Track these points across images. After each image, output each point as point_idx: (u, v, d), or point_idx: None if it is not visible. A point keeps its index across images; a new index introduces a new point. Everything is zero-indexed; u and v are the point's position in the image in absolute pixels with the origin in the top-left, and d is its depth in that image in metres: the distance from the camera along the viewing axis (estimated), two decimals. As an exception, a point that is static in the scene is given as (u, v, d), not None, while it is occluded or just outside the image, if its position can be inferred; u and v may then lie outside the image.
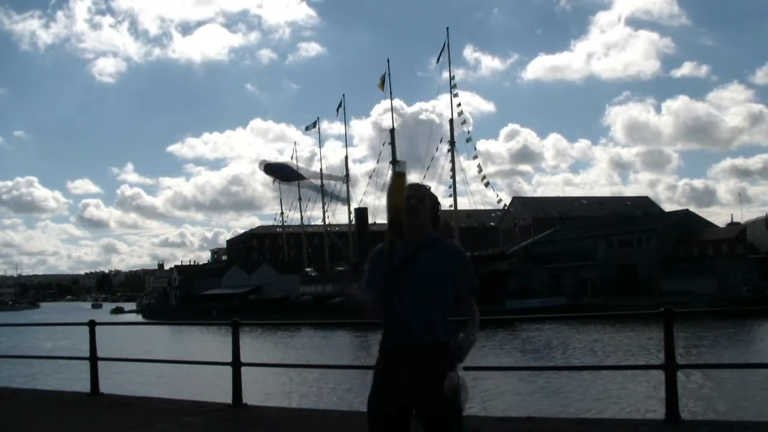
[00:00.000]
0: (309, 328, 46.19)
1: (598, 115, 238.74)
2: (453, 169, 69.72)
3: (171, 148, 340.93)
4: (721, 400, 17.47)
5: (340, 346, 38.34)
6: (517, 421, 6.86)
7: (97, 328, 9.40)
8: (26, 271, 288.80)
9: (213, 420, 7.31)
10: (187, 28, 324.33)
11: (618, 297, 60.27)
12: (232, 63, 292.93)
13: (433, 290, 3.37)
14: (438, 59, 70.28)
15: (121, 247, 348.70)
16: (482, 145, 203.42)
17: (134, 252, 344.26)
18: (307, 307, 73.38)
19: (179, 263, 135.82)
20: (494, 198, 79.85)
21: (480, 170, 70.06)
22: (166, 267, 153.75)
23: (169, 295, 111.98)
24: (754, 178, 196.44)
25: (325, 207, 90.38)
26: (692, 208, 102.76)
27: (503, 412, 14.94)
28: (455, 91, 69.54)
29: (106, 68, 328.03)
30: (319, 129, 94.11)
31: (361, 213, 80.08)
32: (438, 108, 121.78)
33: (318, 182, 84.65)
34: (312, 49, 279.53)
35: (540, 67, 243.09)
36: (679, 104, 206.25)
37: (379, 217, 76.11)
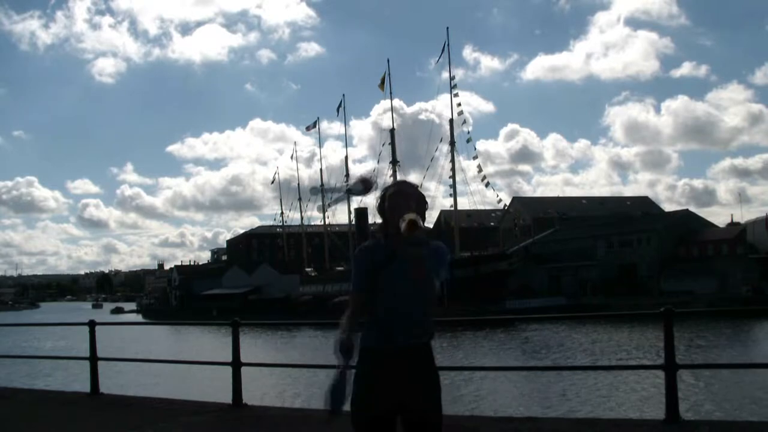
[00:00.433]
0: (309, 328, 46.16)
1: (598, 115, 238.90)
2: (453, 169, 69.81)
3: (170, 148, 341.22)
4: (721, 400, 17.47)
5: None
6: (517, 421, 6.86)
7: (97, 328, 9.40)
8: (26, 271, 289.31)
9: (213, 420, 7.31)
10: (186, 29, 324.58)
11: (618, 297, 60.22)
12: (231, 63, 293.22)
13: (418, 291, 3.32)
14: (438, 59, 70.41)
15: (121, 247, 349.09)
16: (482, 145, 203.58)
17: (134, 252, 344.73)
18: (307, 307, 73.39)
19: (179, 263, 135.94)
20: (494, 198, 79.77)
21: (480, 170, 70.15)
22: (166, 267, 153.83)
23: (169, 295, 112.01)
24: (753, 178, 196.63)
25: (326, 207, 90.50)
26: (692, 208, 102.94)
27: (503, 412, 14.96)
28: (455, 91, 69.67)
29: (105, 68, 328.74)
30: (319, 129, 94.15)
31: (361, 213, 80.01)
32: (438, 108, 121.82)
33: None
34: (311, 49, 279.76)
35: (539, 67, 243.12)
36: (678, 104, 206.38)
37: (378, 217, 75.89)
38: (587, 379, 20.19)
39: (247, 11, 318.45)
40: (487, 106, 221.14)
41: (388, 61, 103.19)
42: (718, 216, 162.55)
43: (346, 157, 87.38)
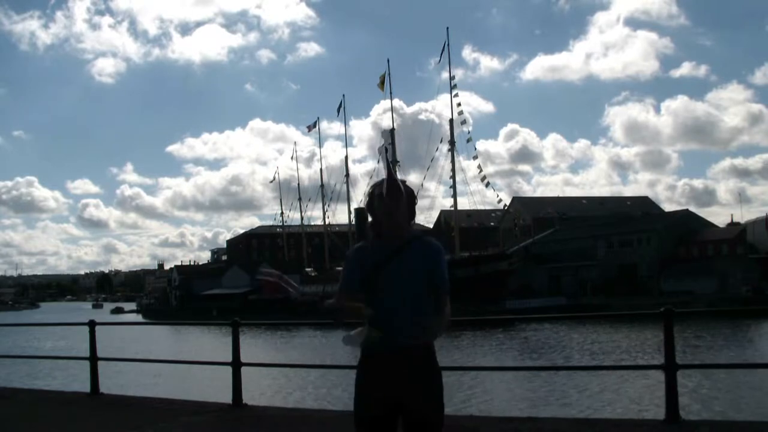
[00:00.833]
0: (309, 328, 46.15)
1: (598, 115, 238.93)
2: (453, 169, 69.77)
3: (170, 148, 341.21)
4: (721, 400, 17.47)
5: (339, 346, 38.27)
6: (517, 421, 6.85)
7: (97, 328, 9.40)
8: (26, 271, 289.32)
9: (213, 420, 7.31)
10: (186, 29, 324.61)
11: (618, 297, 60.21)
12: (231, 63, 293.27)
13: (413, 292, 3.29)
14: (439, 59, 70.33)
15: (121, 247, 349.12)
16: (481, 145, 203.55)
17: (134, 252, 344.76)
18: (306, 307, 73.35)
19: (179, 263, 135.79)
20: (494, 198, 79.75)
21: (480, 170, 70.10)
22: (166, 267, 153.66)
23: (169, 295, 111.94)
24: (753, 178, 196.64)
25: (325, 207, 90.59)
26: (692, 208, 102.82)
27: (503, 412, 14.95)
28: (455, 91, 69.63)
29: (105, 68, 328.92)
30: (319, 129, 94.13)
31: (361, 213, 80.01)
32: (438, 108, 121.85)
33: None
34: (311, 49, 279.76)
35: (539, 67, 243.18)
36: (678, 104, 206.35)
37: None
38: (587, 379, 20.18)
39: (247, 11, 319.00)
40: (487, 106, 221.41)
41: (388, 61, 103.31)
42: (718, 216, 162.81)
43: (346, 157, 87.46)
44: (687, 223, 72.03)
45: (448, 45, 69.20)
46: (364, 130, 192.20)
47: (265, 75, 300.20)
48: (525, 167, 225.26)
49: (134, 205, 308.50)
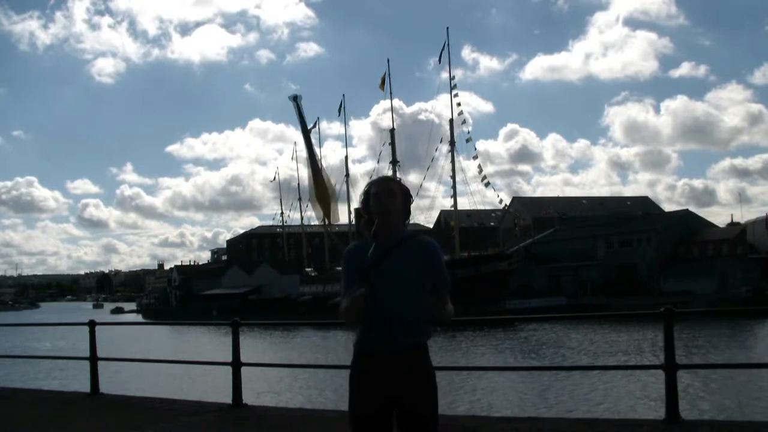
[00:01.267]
0: (309, 328, 46.17)
1: (597, 116, 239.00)
2: (453, 169, 69.75)
3: (170, 148, 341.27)
4: (721, 400, 17.48)
5: (339, 346, 38.33)
6: (517, 421, 6.85)
7: (97, 329, 9.40)
8: (26, 271, 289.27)
9: (213, 420, 7.31)
10: (185, 29, 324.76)
11: (618, 297, 60.22)
12: (230, 63, 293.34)
13: (408, 291, 3.27)
14: (439, 59, 70.30)
15: (121, 247, 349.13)
16: (481, 145, 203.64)
17: (134, 252, 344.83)
18: (307, 307, 73.40)
19: (179, 263, 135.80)
20: (494, 198, 79.81)
21: (480, 170, 70.08)
22: (166, 267, 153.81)
23: (169, 295, 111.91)
24: (753, 178, 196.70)
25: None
26: (692, 208, 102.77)
27: (503, 412, 14.96)
28: (455, 92, 69.62)
29: (105, 68, 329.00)
30: (318, 129, 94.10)
31: (360, 213, 79.97)
32: (437, 108, 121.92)
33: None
34: (310, 49, 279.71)
35: (538, 67, 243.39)
36: (677, 104, 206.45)
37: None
38: (587, 379, 20.19)
39: (246, 11, 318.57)
40: (487, 106, 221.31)
41: (388, 61, 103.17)
42: (718, 216, 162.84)
43: (346, 157, 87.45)
44: (687, 223, 72.03)
45: (448, 45, 69.26)
46: (363, 130, 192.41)
47: (265, 75, 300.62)
48: (525, 167, 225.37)
49: (134, 205, 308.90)
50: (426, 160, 72.57)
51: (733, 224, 74.72)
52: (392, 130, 75.43)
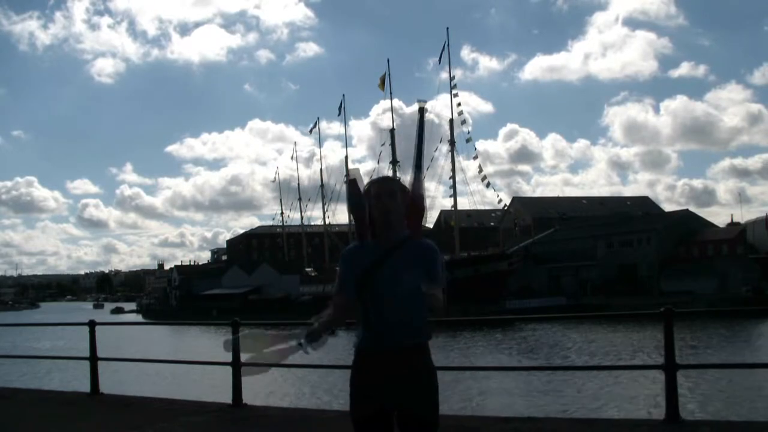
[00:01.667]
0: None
1: (597, 116, 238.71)
2: (453, 169, 69.77)
3: (170, 148, 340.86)
4: (721, 400, 17.48)
5: (339, 345, 38.35)
6: (517, 421, 6.85)
7: (97, 328, 9.40)
8: (26, 271, 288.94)
9: (213, 420, 7.31)
10: (185, 29, 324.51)
11: (618, 297, 60.23)
12: (230, 63, 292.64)
13: (407, 292, 3.26)
14: (440, 59, 70.31)
15: (121, 247, 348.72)
16: (480, 145, 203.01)
17: (134, 252, 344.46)
18: (307, 307, 73.41)
19: (179, 263, 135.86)
20: (494, 198, 79.88)
21: (480, 170, 70.11)
22: (166, 267, 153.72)
23: (169, 295, 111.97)
24: (753, 178, 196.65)
25: (325, 207, 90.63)
26: (692, 208, 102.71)
27: (503, 412, 14.94)
28: (455, 92, 69.61)
29: (104, 69, 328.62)
30: (318, 129, 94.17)
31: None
32: (437, 108, 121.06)
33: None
34: (310, 49, 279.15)
35: (537, 67, 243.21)
36: (677, 104, 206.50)
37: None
38: (587, 379, 20.18)
39: (246, 12, 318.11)
40: (486, 107, 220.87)
41: (388, 60, 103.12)
42: (718, 216, 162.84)
43: (346, 157, 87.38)
44: (687, 223, 72.02)
45: (448, 45, 69.29)
46: (363, 130, 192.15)
47: (264, 75, 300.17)
48: (525, 167, 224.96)
49: (134, 205, 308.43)
50: (426, 160, 72.13)
51: (733, 224, 74.74)
52: (392, 130, 75.51)
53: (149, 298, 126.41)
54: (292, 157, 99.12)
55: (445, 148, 70.58)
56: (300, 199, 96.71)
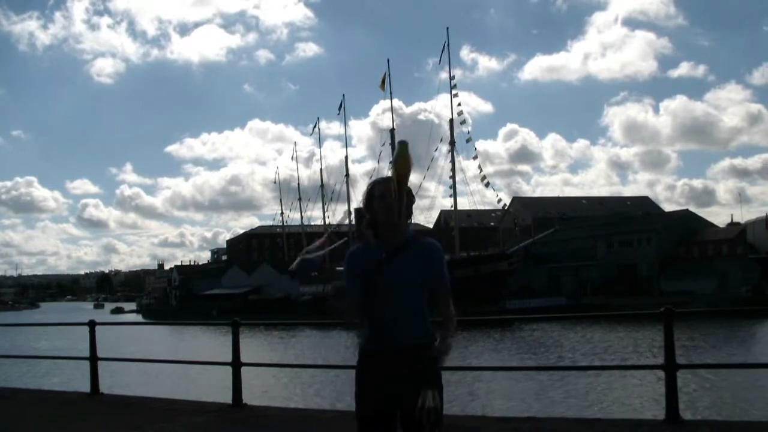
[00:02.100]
0: (308, 328, 46.16)
1: (596, 116, 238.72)
2: (453, 170, 69.74)
3: (169, 148, 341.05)
4: (721, 400, 17.48)
5: (340, 346, 38.34)
6: (517, 421, 6.85)
7: (97, 328, 9.40)
8: (26, 271, 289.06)
9: (213, 420, 7.31)
10: (185, 29, 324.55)
11: (618, 297, 60.23)
12: (230, 63, 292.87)
13: (411, 292, 3.29)
14: (440, 59, 70.30)
15: (121, 247, 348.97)
16: (480, 145, 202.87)
17: (134, 252, 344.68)
18: (307, 307, 73.41)
19: (179, 263, 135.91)
20: (494, 198, 79.75)
21: (480, 170, 70.09)
22: (166, 267, 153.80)
23: (169, 295, 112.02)
24: (753, 178, 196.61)
25: (325, 207, 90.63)
26: (692, 208, 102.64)
27: (503, 412, 14.95)
28: (455, 92, 69.59)
29: (104, 69, 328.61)
30: (318, 129, 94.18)
31: (361, 213, 79.97)
32: (437, 108, 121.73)
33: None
34: (309, 49, 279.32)
35: (537, 67, 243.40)
36: (677, 104, 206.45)
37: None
38: (587, 378, 20.18)
39: (245, 12, 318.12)
40: (486, 107, 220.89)
41: (388, 61, 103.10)
42: (718, 216, 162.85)
43: (346, 157, 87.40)
44: (687, 223, 72.00)
45: (448, 45, 69.26)
46: (363, 130, 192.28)
47: (264, 75, 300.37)
48: (524, 167, 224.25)
49: (134, 205, 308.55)
50: (426, 160, 72.42)
51: (733, 224, 74.72)
52: (392, 130, 75.47)
53: (149, 298, 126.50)
54: (292, 157, 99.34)
55: (445, 148, 70.68)
56: (300, 199, 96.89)
